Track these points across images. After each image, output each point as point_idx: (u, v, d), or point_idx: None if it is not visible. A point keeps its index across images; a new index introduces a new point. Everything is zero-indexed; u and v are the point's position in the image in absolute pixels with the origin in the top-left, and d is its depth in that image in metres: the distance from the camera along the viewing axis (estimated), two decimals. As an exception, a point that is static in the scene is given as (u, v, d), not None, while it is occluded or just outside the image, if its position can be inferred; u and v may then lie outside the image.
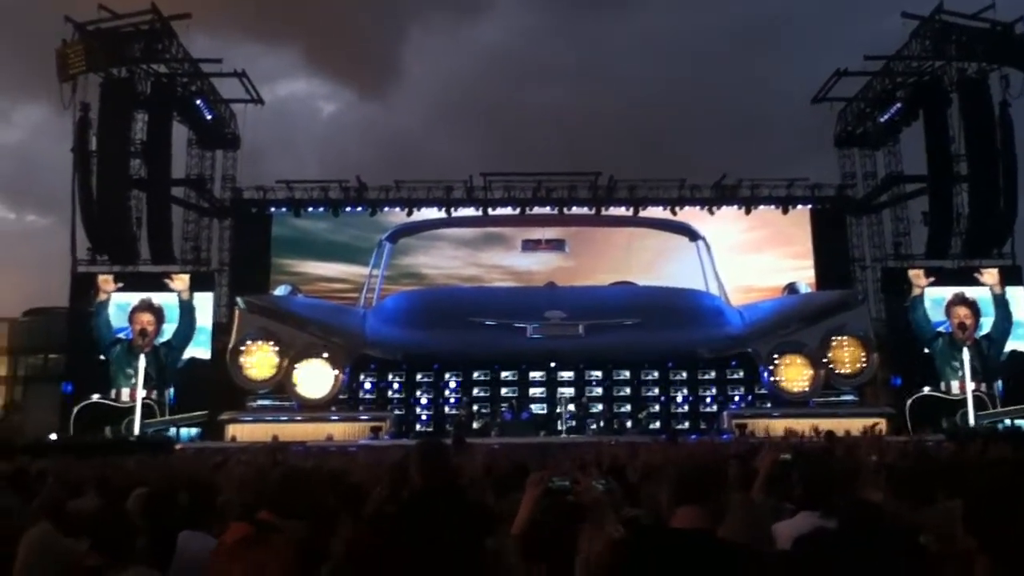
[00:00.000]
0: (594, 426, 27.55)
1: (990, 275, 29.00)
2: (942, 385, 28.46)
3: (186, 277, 29.31)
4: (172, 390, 28.28)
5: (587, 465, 8.28)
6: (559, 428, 26.98)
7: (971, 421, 26.85)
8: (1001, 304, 28.88)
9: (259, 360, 28.08)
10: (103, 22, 29.04)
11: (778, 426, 24.00)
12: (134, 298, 28.65)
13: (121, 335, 28.35)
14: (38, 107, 55.10)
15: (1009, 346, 28.90)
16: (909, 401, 27.99)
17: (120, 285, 28.69)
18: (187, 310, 28.81)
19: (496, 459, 9.38)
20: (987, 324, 28.91)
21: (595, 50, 68.49)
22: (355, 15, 63.00)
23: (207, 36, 30.71)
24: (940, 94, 30.15)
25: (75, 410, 27.14)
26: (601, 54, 67.63)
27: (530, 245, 32.91)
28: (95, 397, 27.42)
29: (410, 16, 72.34)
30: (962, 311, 28.78)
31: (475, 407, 28.36)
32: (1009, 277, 29.26)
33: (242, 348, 27.99)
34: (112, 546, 3.60)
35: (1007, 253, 29.91)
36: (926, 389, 28.34)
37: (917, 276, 29.40)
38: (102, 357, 28.22)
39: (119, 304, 28.61)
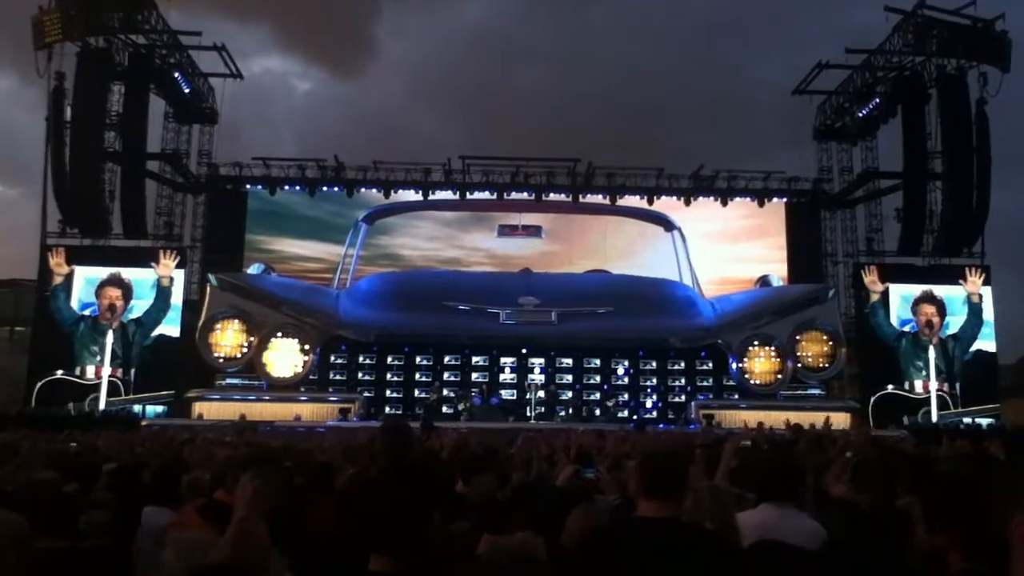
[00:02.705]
0: (563, 413, 27.67)
1: (973, 282, 29.30)
2: (905, 384, 28.82)
3: (171, 262, 28.90)
4: (135, 368, 28.01)
5: (556, 451, 8.31)
6: (528, 414, 27.07)
7: (933, 419, 27.20)
8: (975, 307, 29.21)
9: (229, 338, 27.95)
10: (81, -11, 28.58)
11: (752, 418, 24.24)
12: (103, 272, 28.35)
13: (86, 311, 28.00)
14: (7, 75, 54.35)
15: (974, 345, 29.32)
16: (872, 398, 28.35)
17: (72, 268, 28.22)
18: (164, 294, 28.52)
19: (466, 443, 9.39)
20: (953, 323, 29.28)
21: (577, 33, 68.49)
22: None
23: (178, 11, 30.19)
24: (919, 90, 30.32)
25: (38, 385, 26.83)
26: (582, 37, 67.65)
27: (506, 230, 32.87)
28: (59, 373, 27.10)
29: None
30: (929, 309, 29.17)
31: (445, 391, 28.39)
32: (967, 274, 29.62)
33: (212, 326, 27.84)
34: (58, 523, 3.45)
35: (977, 252, 30.22)
36: (890, 387, 28.70)
37: (873, 282, 29.61)
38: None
39: (87, 278, 28.29)
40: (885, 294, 29.54)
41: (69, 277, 28.17)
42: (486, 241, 33.30)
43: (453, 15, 71.09)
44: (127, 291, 28.22)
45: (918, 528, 2.82)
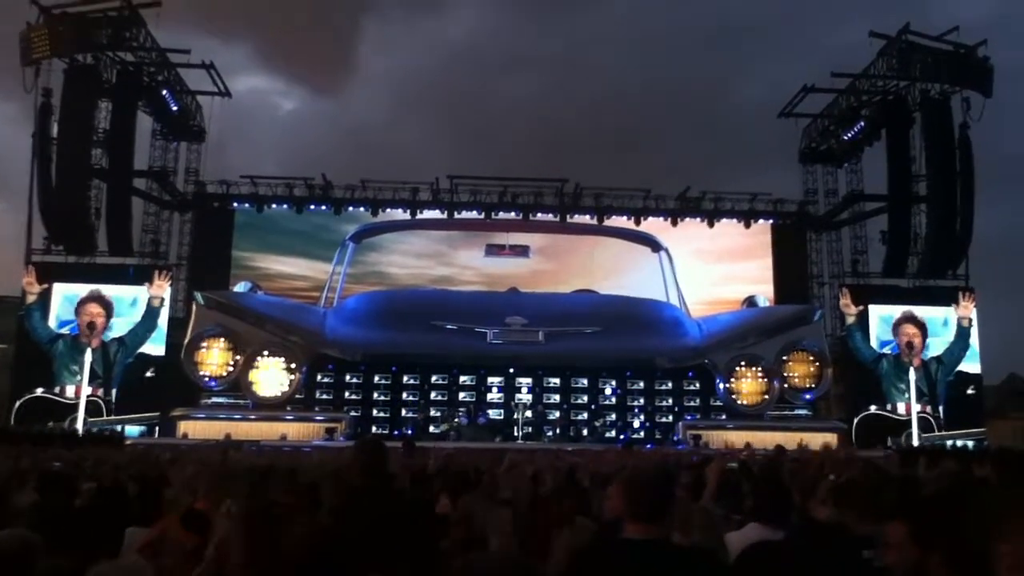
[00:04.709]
0: (550, 433, 27.63)
1: (964, 307, 29.46)
2: (888, 405, 28.86)
3: (165, 283, 28.80)
4: (116, 388, 27.67)
5: (541, 472, 8.29)
6: (515, 434, 27.01)
7: (915, 442, 27.16)
8: (963, 331, 29.35)
9: (215, 357, 27.77)
10: (70, 6, 28.51)
11: (739, 438, 24.20)
12: (82, 289, 28.06)
13: (65, 329, 27.64)
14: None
15: (957, 367, 29.42)
16: (856, 419, 28.37)
17: (47, 286, 27.92)
18: (152, 314, 28.30)
19: (451, 462, 9.36)
20: (935, 345, 29.36)
21: (561, 51, 68.90)
22: (304, 8, 62.68)
23: (160, 29, 30.04)
24: (903, 114, 30.66)
25: (17, 403, 26.50)
26: (567, 55, 68.02)
27: (494, 250, 32.86)
28: (39, 391, 26.78)
29: (363, 11, 72.36)
30: (910, 329, 29.26)
31: (432, 410, 28.33)
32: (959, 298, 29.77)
33: (198, 344, 27.66)
34: (63, 541, 3.46)
35: (961, 274, 30.41)
36: (872, 408, 28.74)
37: (847, 305, 29.83)
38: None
39: (66, 295, 27.96)
40: (863, 316, 29.64)
41: (45, 295, 27.85)
42: (476, 259, 33.27)
43: (435, 31, 71.59)
44: (108, 309, 27.94)
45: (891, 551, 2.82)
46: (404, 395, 29.02)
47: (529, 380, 29.26)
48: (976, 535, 1.58)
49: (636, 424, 29.20)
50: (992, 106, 29.31)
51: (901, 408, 28.56)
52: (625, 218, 32.67)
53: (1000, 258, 39.77)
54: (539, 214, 32.81)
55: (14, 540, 2.61)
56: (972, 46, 29.57)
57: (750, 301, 31.81)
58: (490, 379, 29.30)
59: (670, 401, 29.49)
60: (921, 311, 29.54)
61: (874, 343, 29.48)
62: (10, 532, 2.68)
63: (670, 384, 29.55)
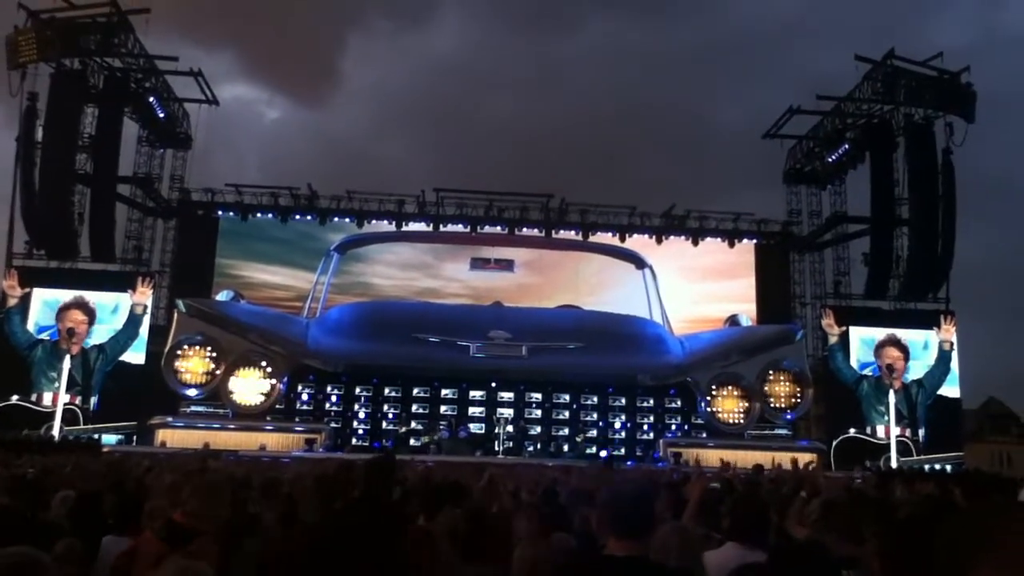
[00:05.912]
0: (531, 448, 27.60)
1: (947, 330, 29.66)
2: (867, 428, 28.95)
3: (148, 289, 28.60)
4: (96, 396, 27.34)
5: (521, 488, 8.28)
6: (496, 448, 26.97)
7: (893, 465, 27.24)
8: (944, 355, 29.53)
9: (195, 365, 27.58)
10: (58, 11, 28.40)
11: (719, 457, 24.21)
12: (63, 295, 27.79)
13: (44, 335, 27.30)
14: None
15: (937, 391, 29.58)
16: (835, 442, 28.45)
17: (28, 290, 27.59)
18: (135, 321, 28.06)
19: (431, 476, 9.33)
20: (915, 368, 29.51)
21: (547, 69, 69.26)
22: (288, 20, 62.84)
23: (148, 36, 29.90)
24: (887, 138, 30.96)
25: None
26: (553, 73, 68.43)
27: (479, 264, 32.86)
28: (14, 398, 26.39)
29: (348, 24, 72.73)
30: (892, 352, 29.41)
31: (413, 423, 28.25)
32: (941, 322, 29.96)
33: (178, 352, 27.47)
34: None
35: (942, 298, 30.65)
36: (852, 431, 28.82)
37: (830, 325, 29.98)
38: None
39: (45, 301, 27.68)
40: (844, 337, 29.79)
41: (25, 300, 27.54)
42: (461, 272, 33.22)
43: (420, 47, 71.92)
44: (90, 315, 27.69)
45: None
46: (385, 407, 28.93)
47: (511, 394, 29.25)
48: (949, 560, 1.59)
49: (617, 440, 29.23)
50: (974, 131, 29.69)
51: (880, 431, 28.58)
52: (610, 235, 32.75)
53: (979, 282, 40.15)
54: (524, 229, 32.81)
55: (21, 556, 2.57)
56: (956, 72, 29.94)
57: (733, 320, 31.89)
58: (472, 393, 29.27)
59: (651, 418, 29.56)
60: (902, 334, 29.71)
61: (855, 364, 29.60)
62: (17, 548, 2.65)
63: (651, 401, 29.63)
